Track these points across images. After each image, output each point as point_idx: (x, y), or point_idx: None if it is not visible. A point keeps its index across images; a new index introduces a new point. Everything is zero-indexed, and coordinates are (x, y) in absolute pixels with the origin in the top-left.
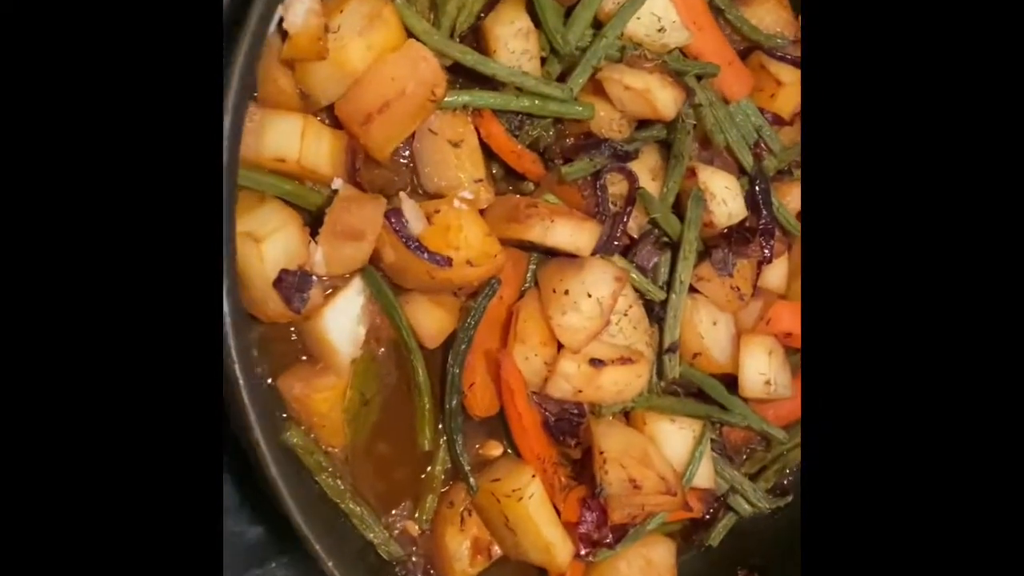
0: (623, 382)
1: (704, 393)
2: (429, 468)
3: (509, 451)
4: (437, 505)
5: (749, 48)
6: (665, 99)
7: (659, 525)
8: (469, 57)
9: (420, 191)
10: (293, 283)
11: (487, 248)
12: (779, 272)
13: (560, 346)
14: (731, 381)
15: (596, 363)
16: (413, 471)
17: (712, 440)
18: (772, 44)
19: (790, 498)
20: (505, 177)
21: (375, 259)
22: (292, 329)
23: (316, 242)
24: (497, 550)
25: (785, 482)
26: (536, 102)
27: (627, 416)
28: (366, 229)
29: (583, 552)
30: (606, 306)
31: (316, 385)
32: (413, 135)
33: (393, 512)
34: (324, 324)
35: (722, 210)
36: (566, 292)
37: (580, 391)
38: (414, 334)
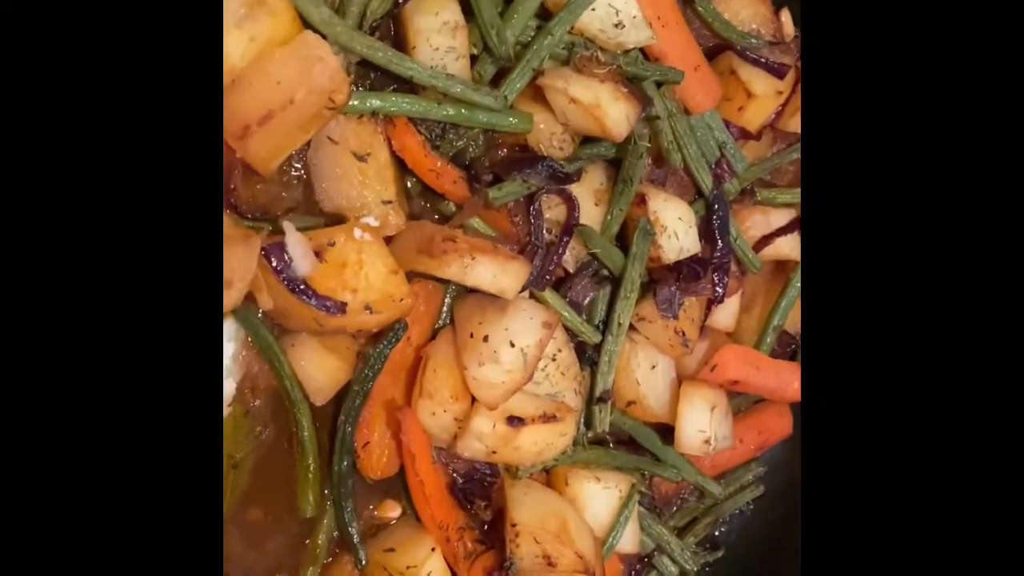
0: (544, 442)
1: (635, 442)
2: (310, 537)
3: (408, 512)
4: None
5: (718, 47)
6: (616, 116)
7: None
8: (380, 54)
9: (316, 211)
10: None
11: (391, 290)
12: (729, 311)
13: (474, 399)
14: (666, 429)
15: (515, 421)
16: (291, 540)
17: (641, 493)
18: (746, 44)
19: (721, 552)
20: (422, 193)
21: (250, 302)
22: None
23: None
24: None
25: (717, 533)
26: (462, 111)
27: (547, 472)
28: (233, 277)
29: None
30: (531, 357)
31: None
32: (308, 143)
33: None
34: None
35: (672, 245)
36: (485, 338)
37: (494, 452)
38: (300, 386)
